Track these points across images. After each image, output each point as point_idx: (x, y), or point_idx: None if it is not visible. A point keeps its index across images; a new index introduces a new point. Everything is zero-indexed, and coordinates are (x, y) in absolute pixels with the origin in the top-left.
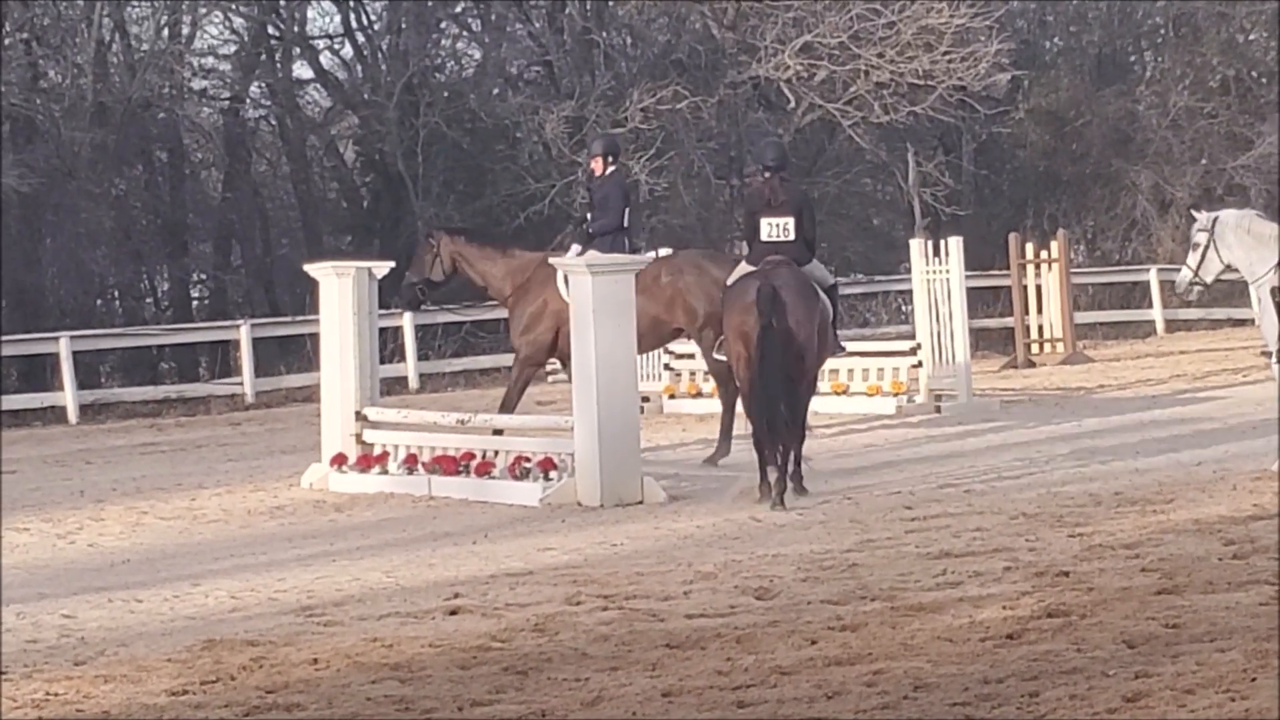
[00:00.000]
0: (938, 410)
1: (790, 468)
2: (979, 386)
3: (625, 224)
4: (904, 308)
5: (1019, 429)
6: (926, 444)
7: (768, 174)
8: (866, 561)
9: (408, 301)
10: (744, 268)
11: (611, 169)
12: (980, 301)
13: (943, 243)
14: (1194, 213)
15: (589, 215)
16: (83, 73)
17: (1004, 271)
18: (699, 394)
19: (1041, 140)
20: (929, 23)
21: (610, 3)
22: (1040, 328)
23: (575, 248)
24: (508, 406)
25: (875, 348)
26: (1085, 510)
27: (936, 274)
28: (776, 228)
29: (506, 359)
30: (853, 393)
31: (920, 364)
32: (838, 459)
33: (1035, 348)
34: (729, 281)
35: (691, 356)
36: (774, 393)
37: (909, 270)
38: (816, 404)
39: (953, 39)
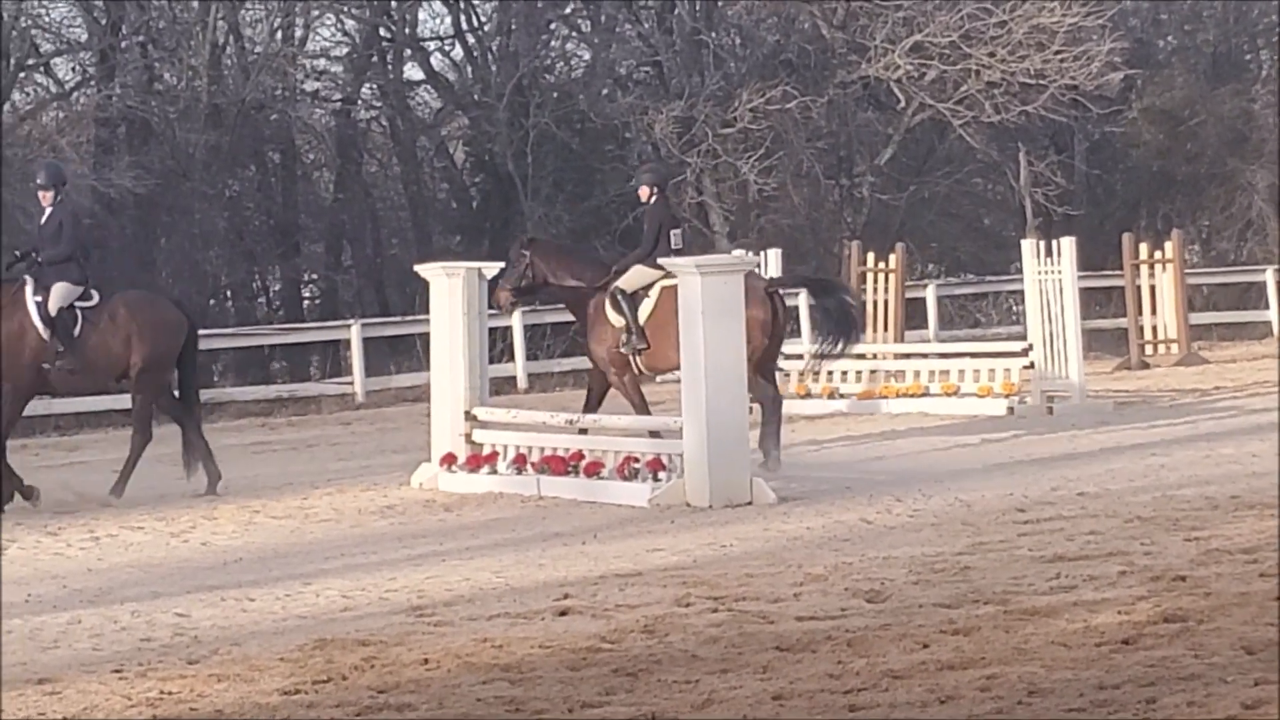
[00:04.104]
0: (1050, 412)
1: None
2: (1092, 388)
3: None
4: (1015, 308)
5: (1133, 431)
6: (1038, 446)
7: (662, 193)
8: (979, 564)
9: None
10: (648, 272)
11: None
12: (1093, 302)
13: (1055, 243)
14: None
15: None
16: (198, 75)
17: (1117, 272)
18: (807, 394)
19: (1155, 140)
20: (1041, 21)
21: (720, 3)
22: (1154, 329)
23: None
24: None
25: (986, 348)
26: (1202, 514)
27: (1049, 274)
28: (677, 238)
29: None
30: (964, 394)
31: (1032, 365)
32: (949, 461)
33: (1149, 349)
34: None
35: (800, 357)
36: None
37: (1020, 270)
38: (929, 405)
39: (1065, 38)
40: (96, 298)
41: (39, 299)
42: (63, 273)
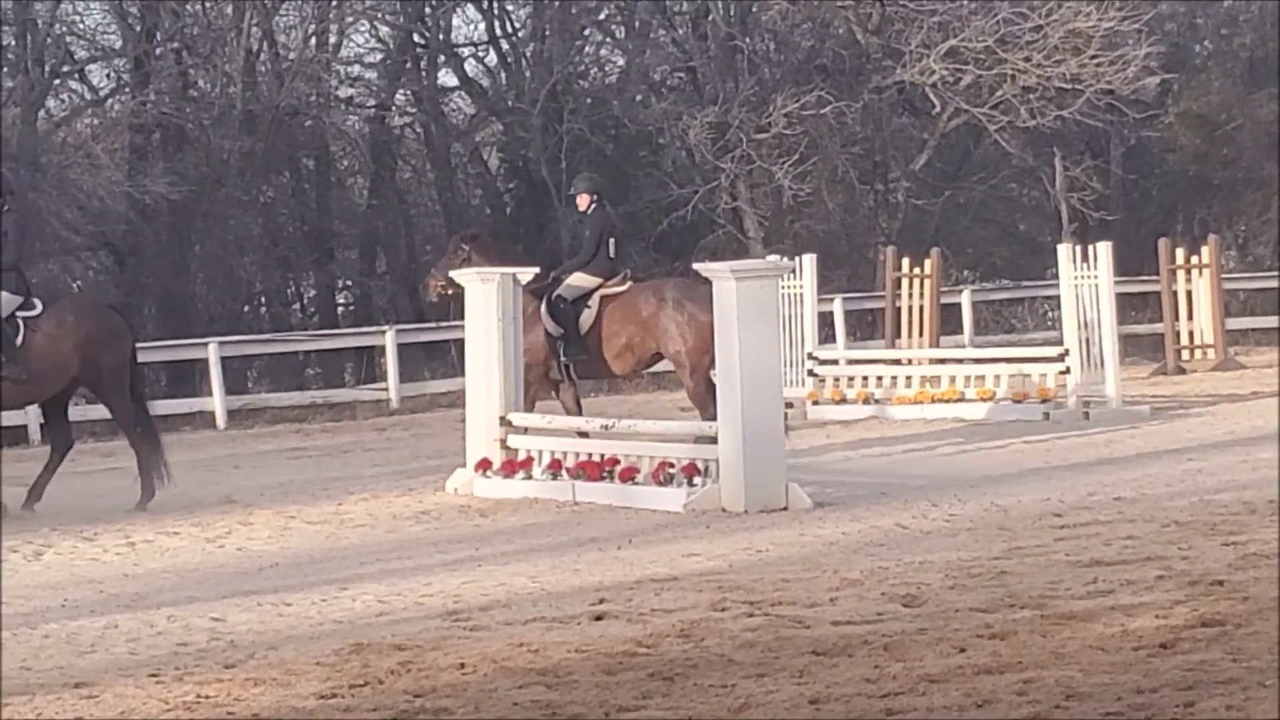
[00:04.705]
0: (1086, 417)
1: None
2: (1128, 393)
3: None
4: (1050, 314)
5: (1169, 436)
6: (1074, 451)
7: (601, 201)
8: (1015, 569)
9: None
10: (588, 279)
11: None
12: (1129, 307)
13: (1091, 248)
14: None
15: None
16: (232, 81)
17: (1153, 277)
18: (843, 400)
19: (1192, 144)
20: (1077, 26)
21: (754, 8)
22: (1191, 334)
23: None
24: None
25: (1022, 354)
26: (1239, 519)
27: (1085, 279)
28: (613, 246)
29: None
30: (999, 399)
31: (1068, 370)
32: (985, 466)
33: (1186, 354)
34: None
35: (835, 363)
36: None
37: (1056, 276)
38: (964, 410)
39: (1101, 42)
40: (40, 306)
41: None
42: (3, 282)
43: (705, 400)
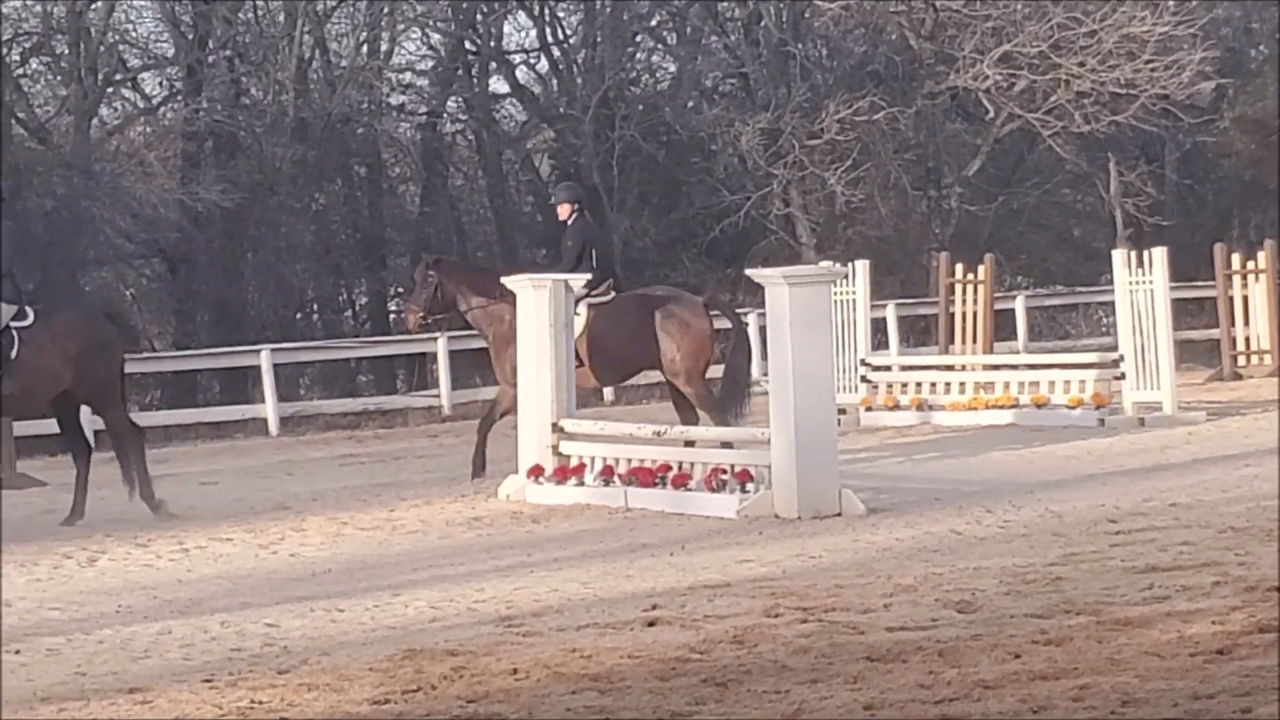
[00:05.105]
0: (1141, 423)
1: None
2: (1183, 399)
3: None
4: (1105, 319)
5: (1225, 442)
6: (1130, 457)
7: (582, 210)
8: (1070, 575)
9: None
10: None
11: None
12: (1184, 313)
13: (1146, 253)
14: None
15: None
16: (284, 89)
17: (1209, 282)
18: (896, 406)
19: (1247, 149)
20: (1131, 31)
21: (807, 14)
22: (1247, 340)
23: None
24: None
25: (1077, 360)
26: None
27: (1140, 285)
28: (594, 256)
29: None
30: (1054, 405)
31: (1123, 376)
32: (1040, 472)
33: (1242, 359)
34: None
35: (888, 369)
36: None
37: (1110, 281)
38: (1018, 416)
39: (1155, 47)
40: (31, 316)
41: None
42: None
43: (712, 403)
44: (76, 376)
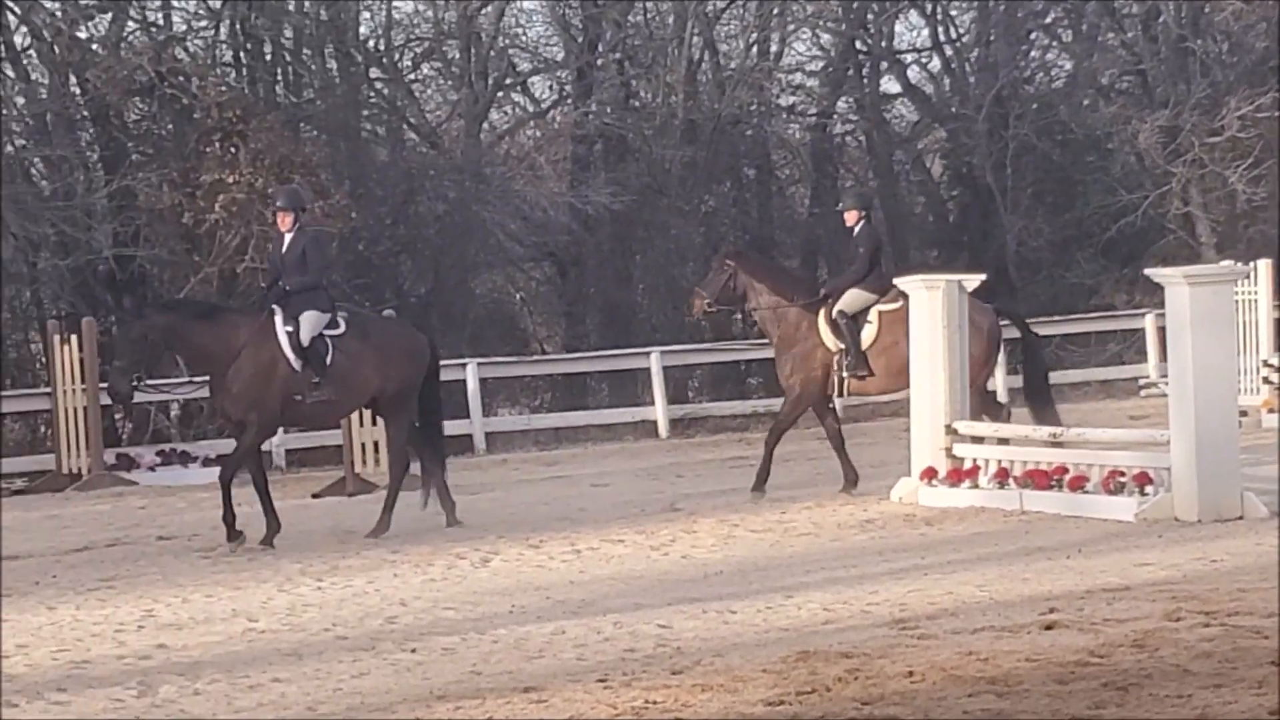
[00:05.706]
0: None
1: None
2: None
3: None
4: None
5: None
6: None
7: (869, 216)
8: None
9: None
10: (866, 295)
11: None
12: None
13: None
14: None
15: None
16: (673, 91)
17: None
18: (1272, 410)
19: None
20: None
21: (1207, 9)
22: None
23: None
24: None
25: None
26: None
27: None
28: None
29: (1101, 372)
30: None
31: None
32: None
33: None
34: None
35: None
36: None
37: None
38: None
39: None
40: (344, 325)
41: (289, 329)
42: (310, 301)
43: (982, 412)
44: (382, 385)
